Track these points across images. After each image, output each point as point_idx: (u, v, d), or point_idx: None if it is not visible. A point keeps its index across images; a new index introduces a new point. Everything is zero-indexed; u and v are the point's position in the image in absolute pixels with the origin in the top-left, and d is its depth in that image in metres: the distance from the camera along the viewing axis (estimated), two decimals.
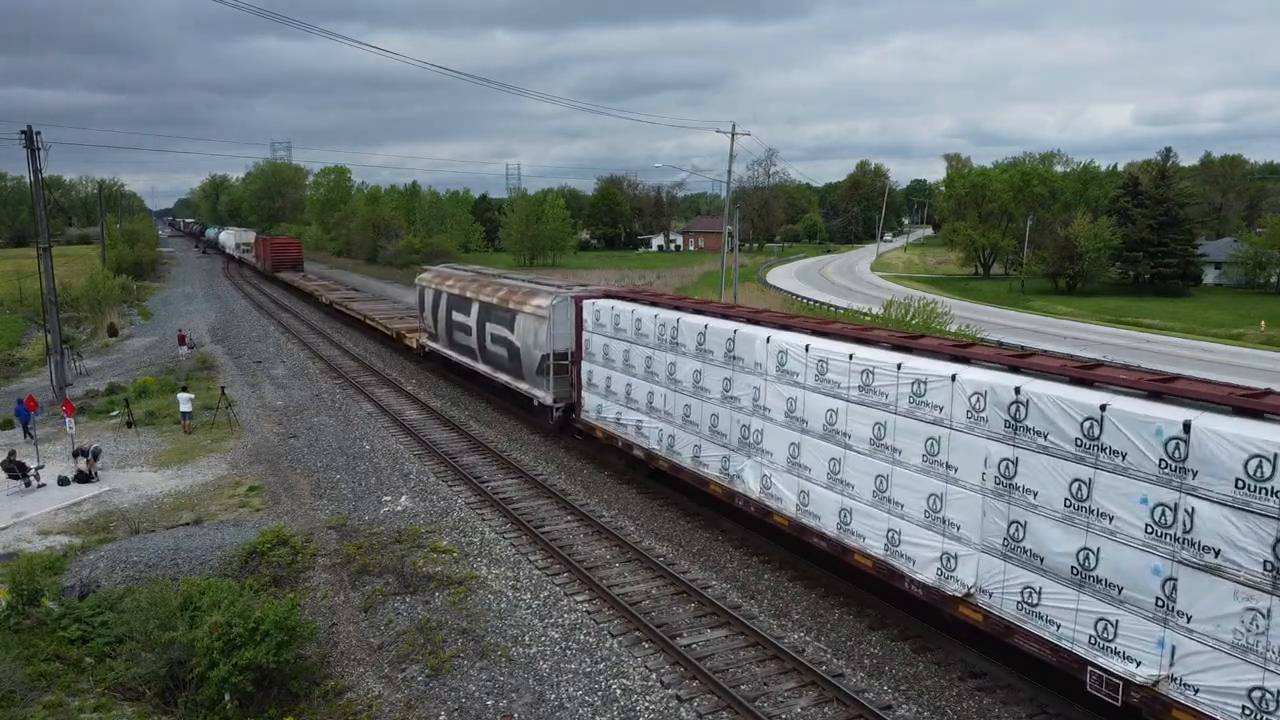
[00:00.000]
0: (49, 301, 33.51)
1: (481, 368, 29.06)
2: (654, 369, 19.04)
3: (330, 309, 54.11)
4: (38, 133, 31.92)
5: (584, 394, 22.24)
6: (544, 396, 24.28)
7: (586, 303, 21.94)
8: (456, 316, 30.56)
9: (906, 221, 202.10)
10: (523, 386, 25.67)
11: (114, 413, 29.08)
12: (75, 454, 22.84)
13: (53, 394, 32.08)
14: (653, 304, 20.06)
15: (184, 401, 27.23)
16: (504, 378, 27.14)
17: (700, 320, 17.54)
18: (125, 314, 58.49)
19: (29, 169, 32.24)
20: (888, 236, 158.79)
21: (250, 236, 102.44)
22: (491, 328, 27.44)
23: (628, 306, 20.23)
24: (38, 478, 21.96)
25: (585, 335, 21.89)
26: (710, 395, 17.25)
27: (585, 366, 22.07)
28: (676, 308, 19.25)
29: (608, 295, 22.44)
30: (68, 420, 24.46)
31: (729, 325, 16.81)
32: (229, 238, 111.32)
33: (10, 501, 20.96)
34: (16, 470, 21.89)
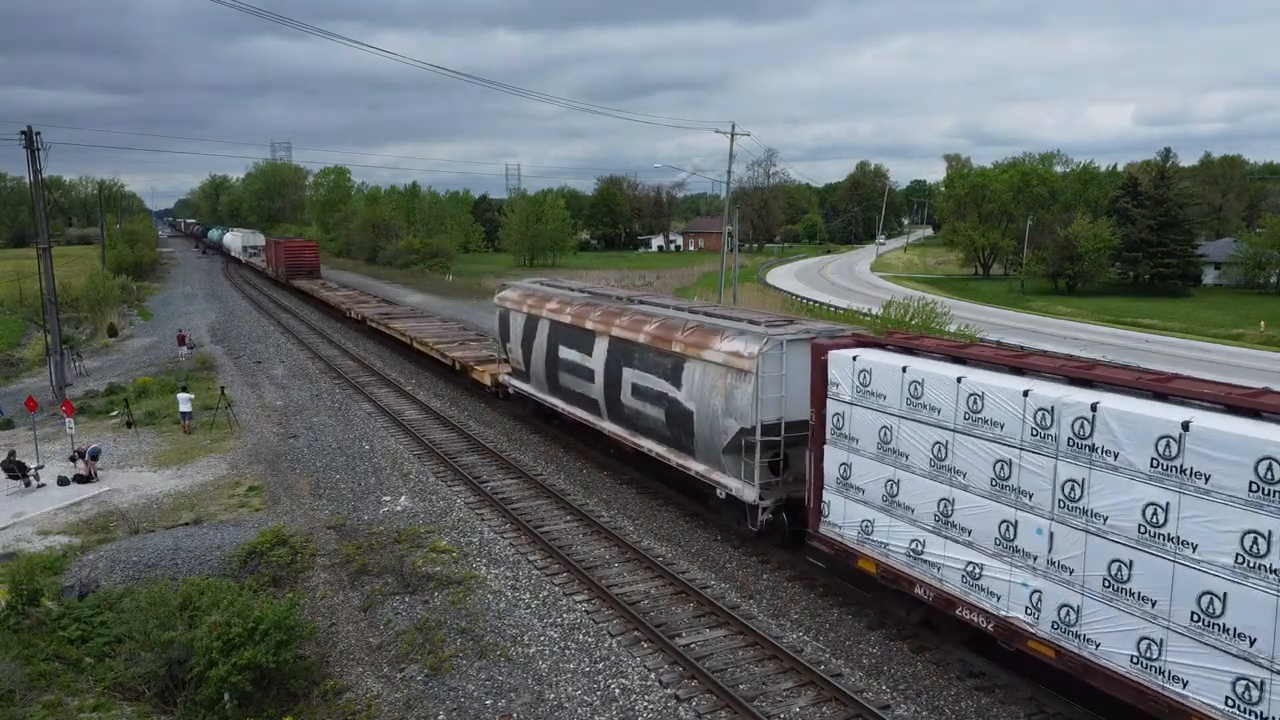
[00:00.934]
0: (49, 302, 33.52)
1: (610, 427, 21.24)
2: (1017, 482, 11.40)
3: (363, 326, 45.49)
4: (37, 133, 31.97)
5: (831, 497, 14.55)
6: (739, 489, 16.71)
7: (837, 355, 14.21)
8: (566, 354, 22.63)
9: (906, 222, 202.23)
10: (695, 468, 18.12)
11: (114, 413, 29.09)
12: (74, 456, 22.86)
13: (52, 394, 32.09)
14: (983, 362, 12.60)
15: (184, 402, 27.25)
16: (655, 449, 19.48)
17: (1163, 414, 9.88)
18: (125, 314, 58.51)
19: (29, 169, 32.28)
20: (881, 239, 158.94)
21: (259, 239, 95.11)
22: (634, 376, 19.74)
23: (937, 368, 12.65)
24: (37, 478, 21.98)
25: (837, 406, 14.22)
26: (1196, 556, 9.52)
27: (837, 455, 14.36)
28: (1017, 368, 12.11)
29: (862, 342, 14.91)
30: (67, 420, 24.47)
31: (1256, 432, 9.17)
32: (235, 240, 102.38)
33: (10, 501, 20.98)
34: (16, 470, 21.92)
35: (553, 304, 23.98)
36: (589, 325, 21.66)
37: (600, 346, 21.12)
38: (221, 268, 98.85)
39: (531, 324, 24.81)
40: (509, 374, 27.14)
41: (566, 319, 22.85)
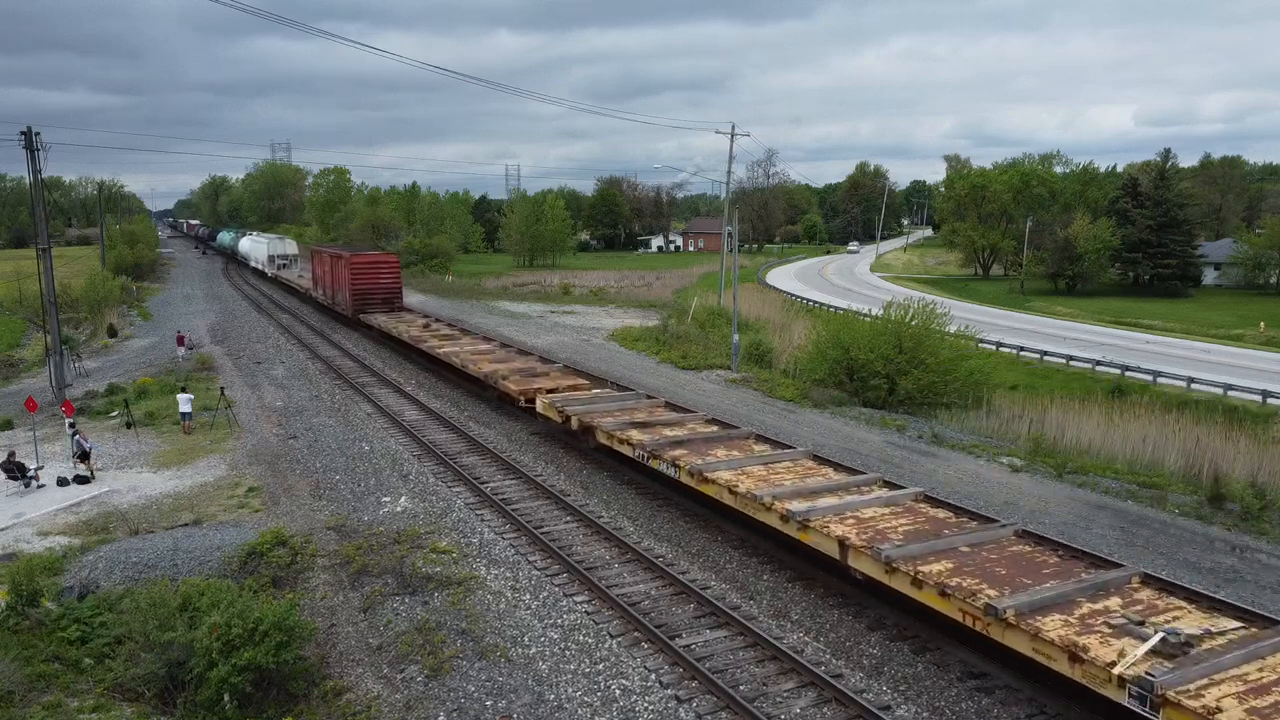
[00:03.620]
0: (48, 302, 33.49)
1: None
2: None
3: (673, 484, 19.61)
4: (37, 134, 31.93)
5: None
6: None
7: None
8: None
9: (906, 222, 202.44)
10: None
11: (113, 413, 29.06)
12: (74, 452, 22.82)
13: (52, 395, 32.07)
14: None
15: (183, 402, 27.22)
16: None
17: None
18: (125, 315, 58.41)
19: (29, 170, 32.24)
20: (854, 245, 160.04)
21: (290, 246, 73.29)
22: None
23: None
24: (37, 478, 21.95)
25: None
26: None
27: None
28: None
29: None
30: (68, 421, 24.44)
31: None
32: (258, 248, 78.26)
33: (10, 502, 20.96)
34: (16, 471, 21.90)
35: None
36: None
37: None
38: (221, 268, 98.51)
39: None
40: None
41: None
